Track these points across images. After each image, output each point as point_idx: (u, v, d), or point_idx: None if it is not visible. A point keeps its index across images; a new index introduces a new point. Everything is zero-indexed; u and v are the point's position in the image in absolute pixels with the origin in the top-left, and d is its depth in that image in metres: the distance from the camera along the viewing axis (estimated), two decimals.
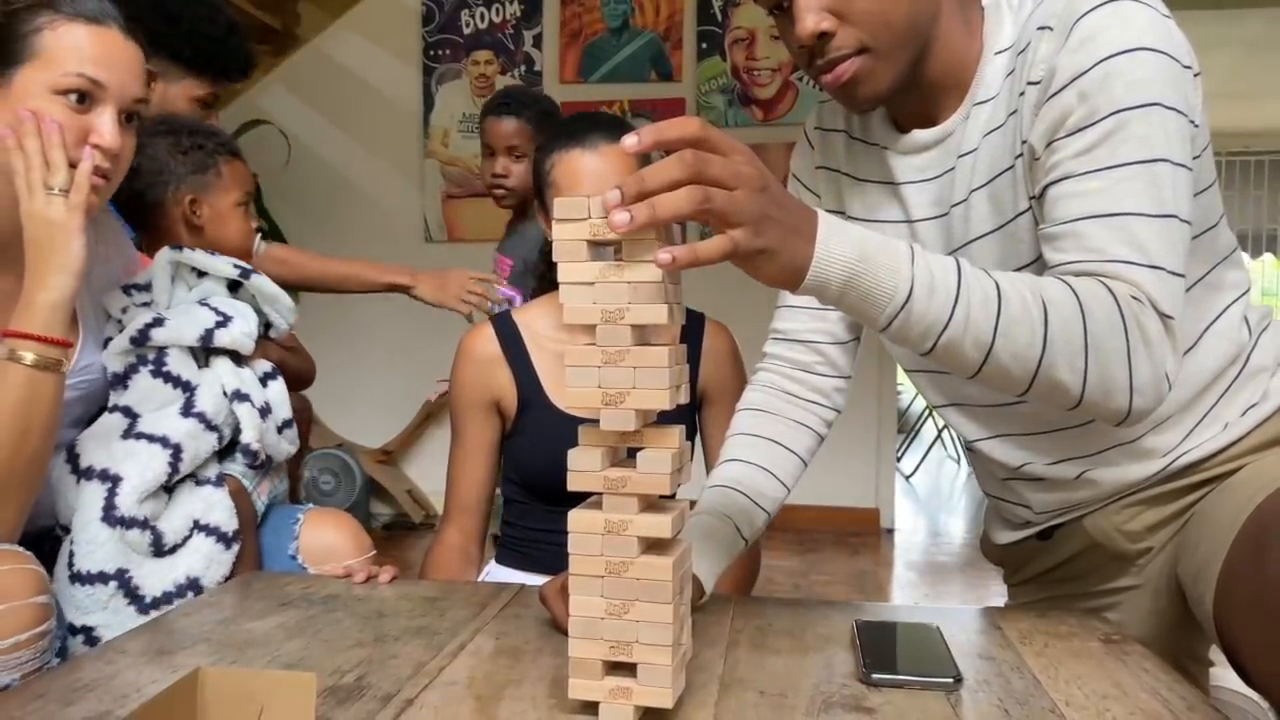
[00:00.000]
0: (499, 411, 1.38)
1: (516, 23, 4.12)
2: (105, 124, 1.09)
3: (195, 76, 1.80)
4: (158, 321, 1.23)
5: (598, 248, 0.72)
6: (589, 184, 1.24)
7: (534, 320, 1.39)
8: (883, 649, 0.89)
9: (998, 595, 3.23)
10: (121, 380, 1.23)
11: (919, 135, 1.02)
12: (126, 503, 1.16)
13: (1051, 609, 1.12)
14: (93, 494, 1.17)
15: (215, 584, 1.20)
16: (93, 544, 1.15)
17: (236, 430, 1.28)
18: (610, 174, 1.24)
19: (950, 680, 0.82)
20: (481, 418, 1.38)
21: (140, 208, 1.40)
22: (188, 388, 1.24)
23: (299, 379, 1.50)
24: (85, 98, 1.08)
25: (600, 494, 0.74)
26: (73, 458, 1.19)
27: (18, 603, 0.93)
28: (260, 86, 4.26)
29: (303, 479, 3.83)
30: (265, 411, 1.31)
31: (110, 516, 1.16)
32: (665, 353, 0.70)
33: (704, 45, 4.01)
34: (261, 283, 1.35)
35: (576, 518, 0.74)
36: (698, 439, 1.41)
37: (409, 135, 4.20)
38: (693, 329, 1.38)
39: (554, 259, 0.73)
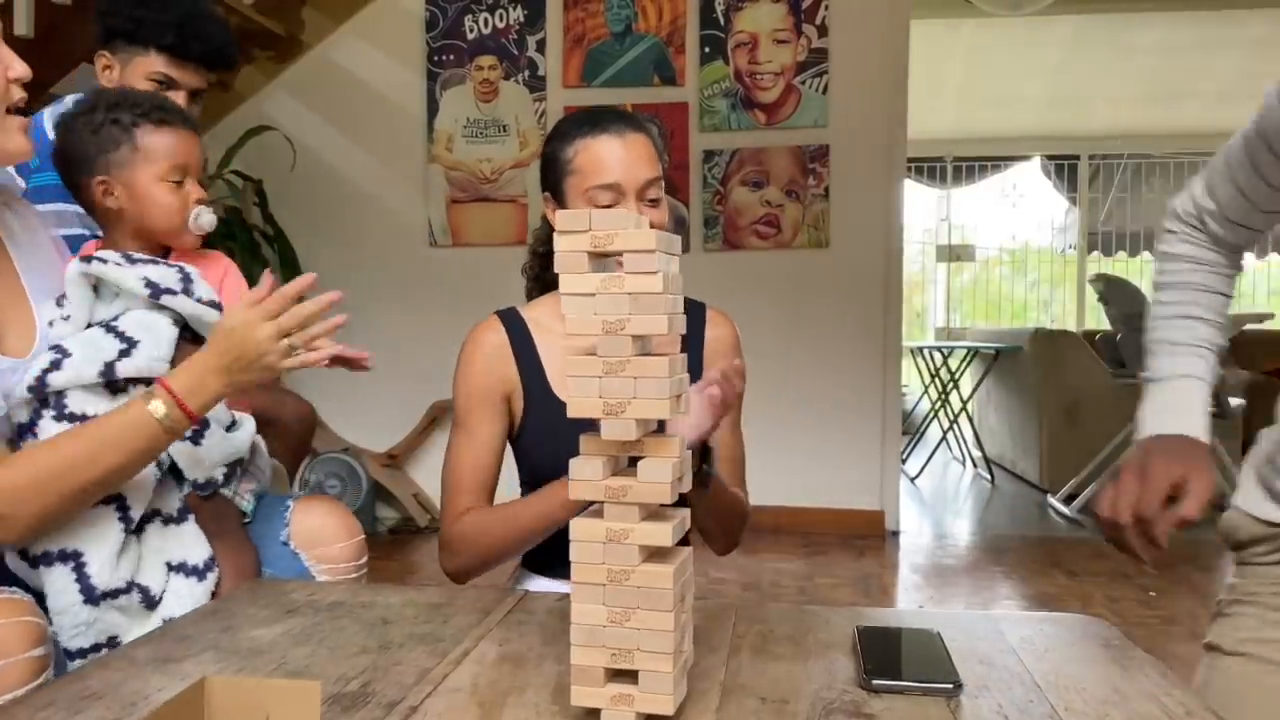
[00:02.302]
0: (506, 403, 1.37)
1: (520, 28, 4.13)
2: (8, 56, 1.10)
3: (142, 52, 1.74)
4: (55, 365, 1.14)
5: (599, 259, 0.73)
6: (616, 169, 1.24)
7: (540, 316, 1.39)
8: (884, 655, 0.90)
9: (1003, 598, 3.24)
10: (29, 430, 1.15)
11: None
12: (102, 577, 1.11)
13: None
14: (61, 578, 1.11)
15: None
16: (80, 626, 1.11)
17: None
18: (634, 161, 1.25)
19: (951, 686, 0.83)
20: (488, 407, 1.34)
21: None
22: None
23: (289, 425, 1.48)
24: None
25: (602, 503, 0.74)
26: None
27: (15, 659, 0.92)
28: (265, 93, 4.29)
29: (309, 483, 3.85)
30: (198, 435, 1.23)
31: (92, 597, 1.11)
32: (665, 363, 0.71)
33: (707, 49, 4.02)
34: (181, 303, 1.22)
35: (578, 526, 0.74)
36: None
37: (413, 140, 4.22)
38: (694, 318, 1.37)
39: (555, 270, 0.73)
